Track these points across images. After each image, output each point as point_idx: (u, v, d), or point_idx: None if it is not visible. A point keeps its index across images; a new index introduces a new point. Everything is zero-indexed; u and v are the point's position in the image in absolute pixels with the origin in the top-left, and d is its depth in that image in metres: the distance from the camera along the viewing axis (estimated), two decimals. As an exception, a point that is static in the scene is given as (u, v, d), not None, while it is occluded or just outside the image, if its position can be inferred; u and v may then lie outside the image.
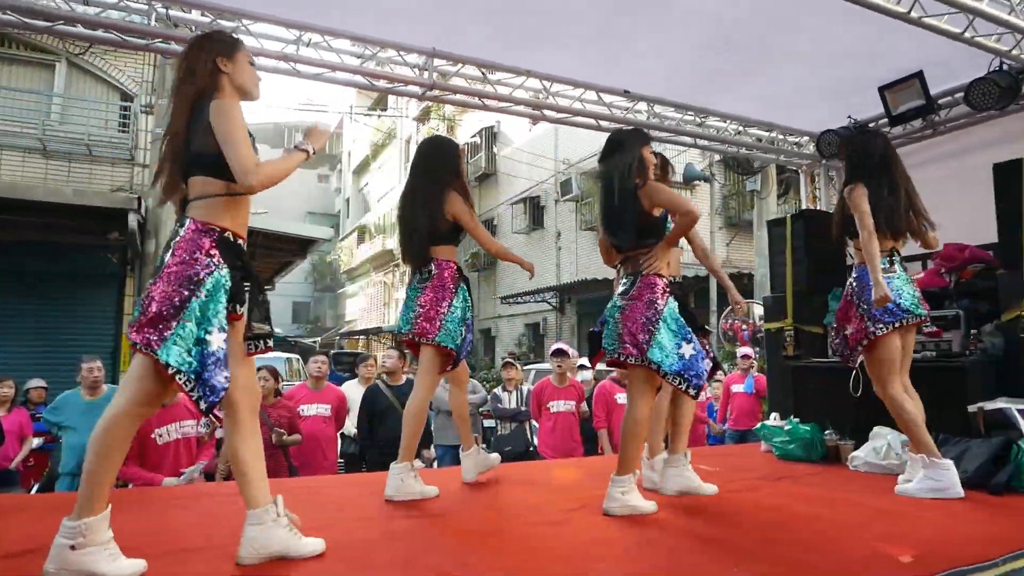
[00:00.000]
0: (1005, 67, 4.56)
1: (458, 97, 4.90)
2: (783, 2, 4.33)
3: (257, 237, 11.33)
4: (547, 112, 5.15)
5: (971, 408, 4.01)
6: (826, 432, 4.72)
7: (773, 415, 5.30)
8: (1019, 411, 3.88)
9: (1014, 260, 4.20)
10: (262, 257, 12.93)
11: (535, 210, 19.92)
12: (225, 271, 2.19)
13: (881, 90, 5.15)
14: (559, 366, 6.07)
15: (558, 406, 5.92)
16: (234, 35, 2.53)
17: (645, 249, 3.09)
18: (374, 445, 5.46)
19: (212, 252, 2.17)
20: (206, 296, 2.13)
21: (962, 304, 4.54)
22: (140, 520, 2.93)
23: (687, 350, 3.00)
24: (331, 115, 36.50)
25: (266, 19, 4.19)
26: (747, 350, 8.26)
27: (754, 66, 5.17)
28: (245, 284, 2.28)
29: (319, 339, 33.04)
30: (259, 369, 4.81)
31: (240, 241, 2.31)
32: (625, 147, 3.14)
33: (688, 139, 5.59)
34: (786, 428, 4.93)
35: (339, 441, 6.23)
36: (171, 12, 4.18)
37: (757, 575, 2.38)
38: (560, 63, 4.98)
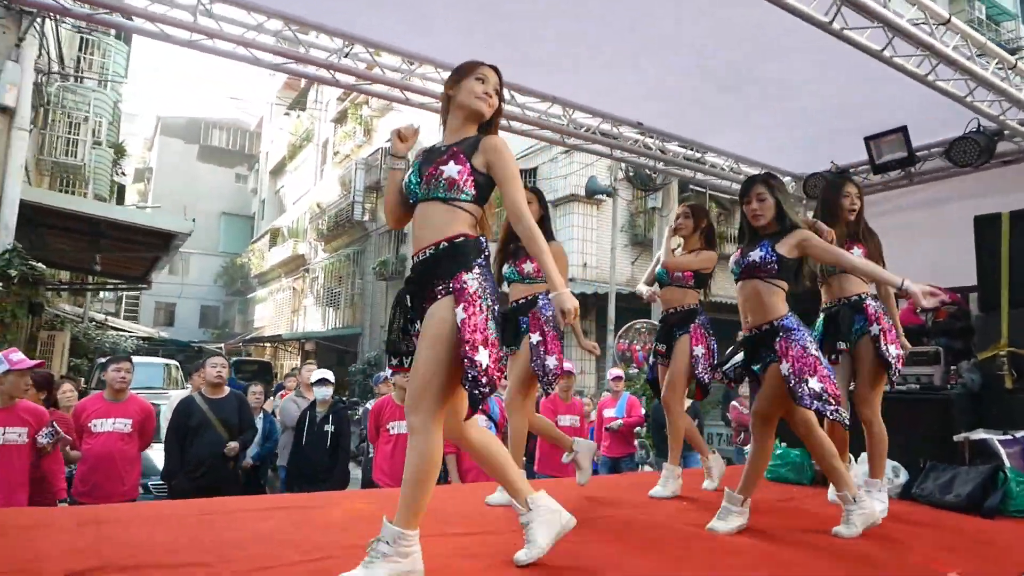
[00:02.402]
0: (982, 128, 5.13)
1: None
2: (783, 49, 4.61)
3: (107, 228, 10.34)
4: (567, 139, 5.37)
5: (957, 438, 4.46)
6: (814, 457, 5.09)
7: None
8: (1000, 441, 4.37)
9: (992, 305, 4.72)
10: (125, 250, 11.85)
11: (447, 220, 19.67)
12: None
13: (867, 140, 5.64)
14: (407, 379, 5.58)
15: (399, 427, 5.34)
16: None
17: None
18: (183, 466, 5.01)
19: None
20: None
21: (940, 342, 5.02)
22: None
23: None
24: (252, 113, 35.44)
25: (318, 28, 4.22)
26: (617, 371, 7.86)
27: (750, 108, 5.56)
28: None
29: (223, 345, 31.83)
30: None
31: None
32: None
33: (688, 172, 5.94)
34: (776, 452, 5.29)
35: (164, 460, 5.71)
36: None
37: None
38: (577, 91, 5.21)
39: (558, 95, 5.04)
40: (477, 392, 2.24)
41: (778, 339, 3.26)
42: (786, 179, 6.53)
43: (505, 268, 3.86)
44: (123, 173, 23.09)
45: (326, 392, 5.91)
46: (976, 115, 4.89)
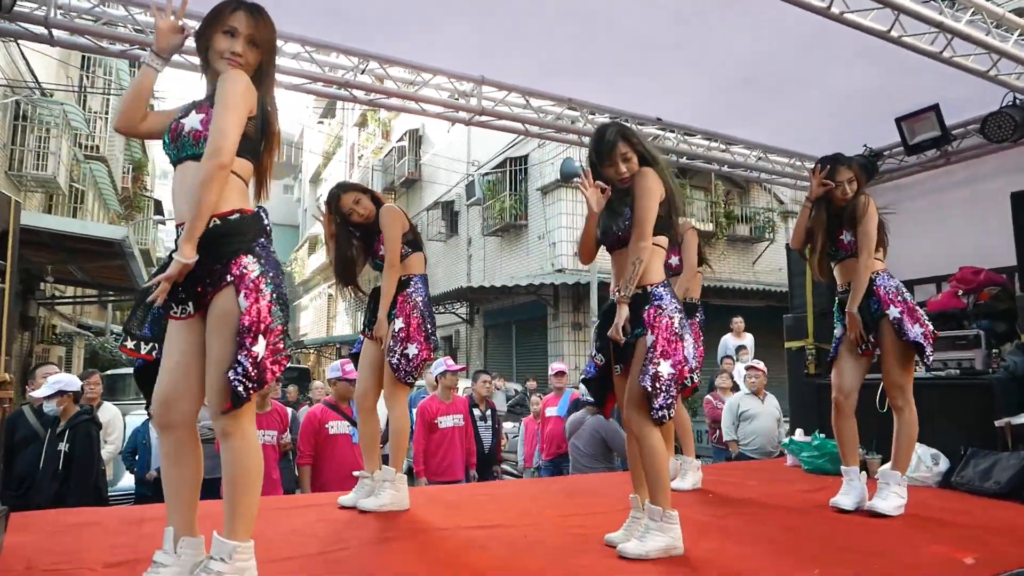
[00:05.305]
0: (1018, 101, 5.13)
1: (502, 123, 5.30)
2: (806, 38, 4.67)
3: (51, 239, 10.16)
4: (584, 138, 5.57)
5: (998, 423, 4.50)
6: (854, 447, 5.17)
7: (798, 430, 5.76)
8: (1044, 425, 4.40)
9: (1032, 283, 4.75)
10: (87, 261, 11.89)
11: (451, 215, 19.80)
12: None
13: (898, 121, 5.67)
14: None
15: (338, 427, 5.27)
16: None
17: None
18: (8, 485, 4.73)
19: None
20: None
21: (981, 324, 5.04)
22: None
23: None
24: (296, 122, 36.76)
25: (334, 48, 4.53)
26: (560, 366, 7.30)
27: (777, 98, 5.64)
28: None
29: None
30: None
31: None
32: None
33: (715, 165, 6.06)
34: (814, 443, 5.38)
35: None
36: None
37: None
38: (595, 92, 5.41)
39: (575, 97, 5.24)
40: (240, 384, 2.07)
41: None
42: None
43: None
44: (146, 188, 24.10)
45: (56, 408, 4.96)
46: (1013, 91, 4.92)
